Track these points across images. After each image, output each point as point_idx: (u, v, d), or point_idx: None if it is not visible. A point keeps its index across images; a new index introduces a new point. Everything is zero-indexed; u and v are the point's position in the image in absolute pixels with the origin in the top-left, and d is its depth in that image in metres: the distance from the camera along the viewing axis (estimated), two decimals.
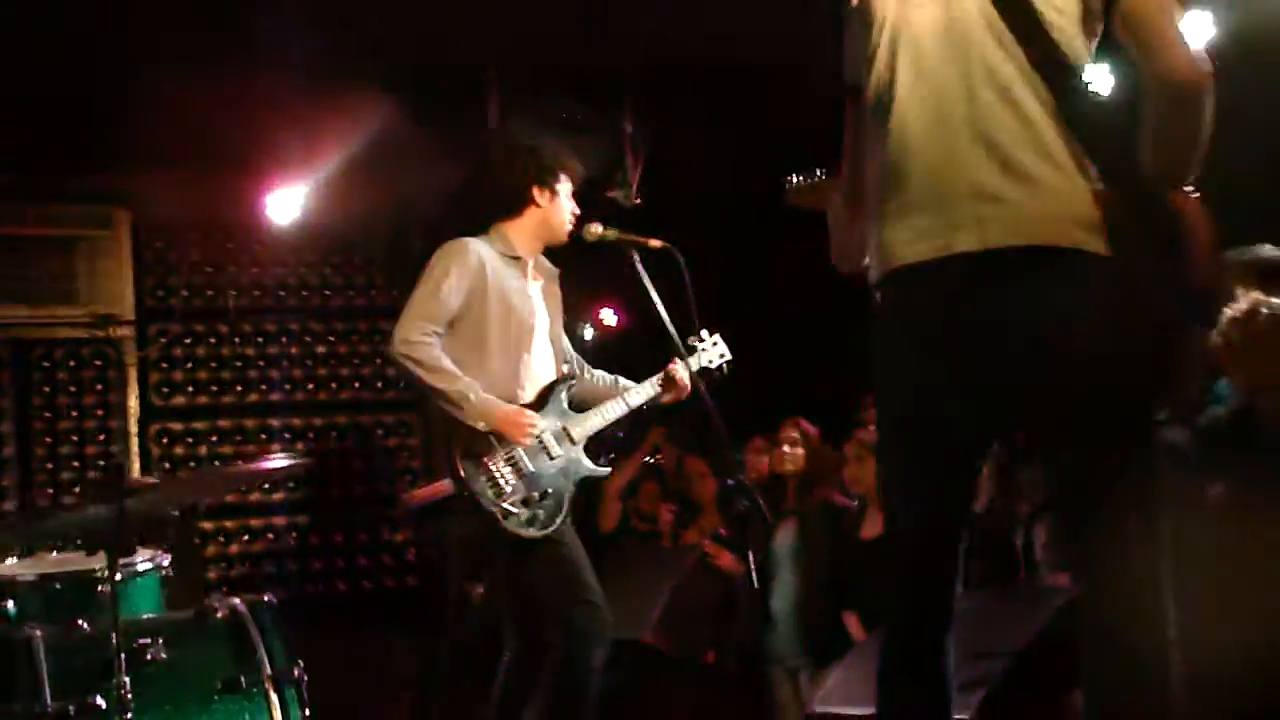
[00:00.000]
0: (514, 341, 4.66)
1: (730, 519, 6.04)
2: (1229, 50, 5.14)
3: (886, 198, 2.77)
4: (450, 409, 4.45)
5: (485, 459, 4.51)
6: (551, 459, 4.66)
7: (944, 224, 2.64)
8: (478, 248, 4.66)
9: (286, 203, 7.89)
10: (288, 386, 8.52)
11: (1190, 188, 2.65)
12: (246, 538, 8.31)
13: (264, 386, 8.48)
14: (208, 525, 8.18)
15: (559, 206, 4.83)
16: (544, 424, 4.65)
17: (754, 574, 4.49)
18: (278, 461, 5.52)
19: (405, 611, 8.08)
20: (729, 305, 5.08)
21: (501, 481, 4.50)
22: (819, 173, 3.27)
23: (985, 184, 2.61)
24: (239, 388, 8.44)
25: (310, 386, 8.61)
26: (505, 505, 4.48)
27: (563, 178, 4.85)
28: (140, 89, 6.33)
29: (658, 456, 7.90)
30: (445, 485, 5.85)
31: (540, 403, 4.69)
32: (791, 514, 6.26)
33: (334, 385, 8.66)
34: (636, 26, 6.47)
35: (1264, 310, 4.41)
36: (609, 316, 9.46)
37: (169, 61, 6.16)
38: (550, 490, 4.61)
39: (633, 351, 5.77)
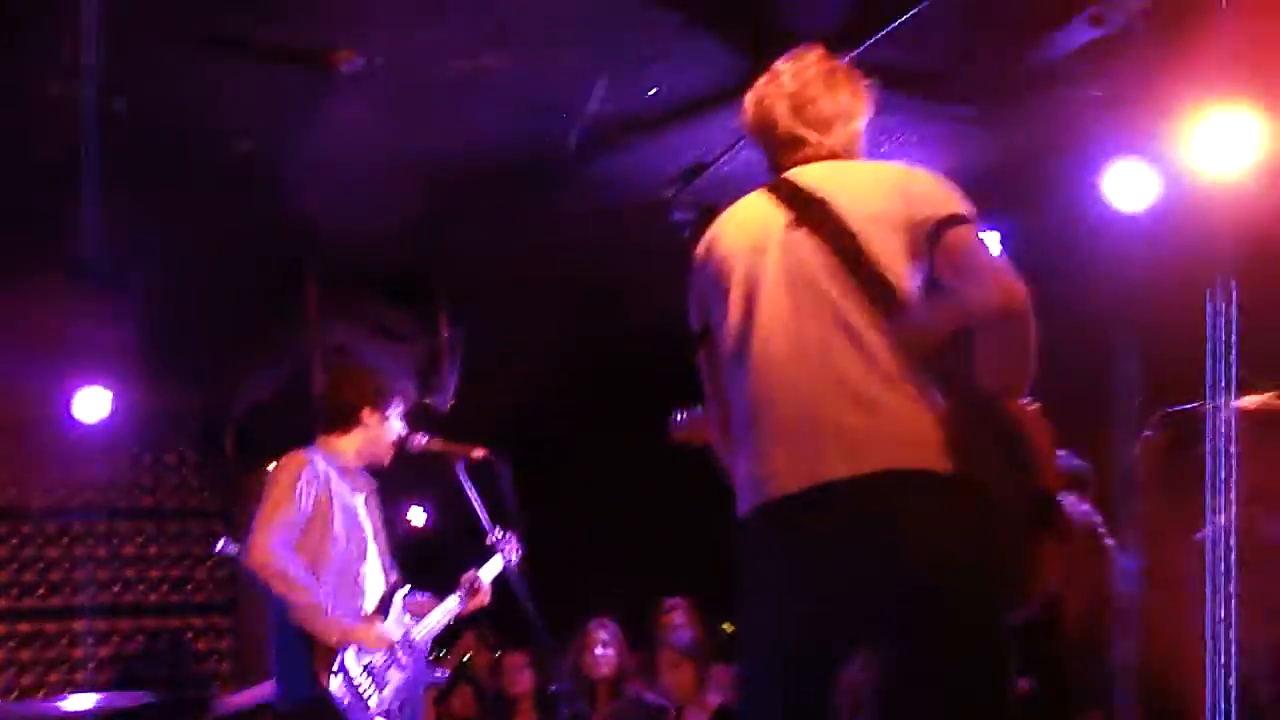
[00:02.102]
0: (353, 552, 4.70)
1: None
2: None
3: (749, 435, 2.94)
4: (306, 622, 4.43)
5: (345, 671, 4.49)
6: (403, 667, 4.68)
7: (807, 457, 2.81)
8: (318, 459, 4.71)
9: (93, 401, 7.80)
10: (93, 588, 8.31)
11: (1027, 398, 2.86)
12: None
13: (68, 588, 8.27)
14: None
15: (387, 429, 4.92)
16: (395, 634, 4.68)
17: None
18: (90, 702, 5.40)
19: None
20: (536, 507, 5.19)
21: (365, 694, 4.50)
22: (699, 409, 3.43)
23: (841, 419, 2.78)
24: (41, 589, 8.21)
25: (116, 588, 8.41)
26: (369, 716, 4.48)
27: (395, 402, 4.95)
28: None
29: (468, 658, 7.90)
30: (258, 690, 5.80)
31: (383, 610, 4.73)
32: (607, 718, 6.30)
33: (141, 587, 8.49)
34: (450, 230, 6.63)
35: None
36: (417, 516, 9.45)
37: None
38: (407, 698, 4.65)
39: (440, 550, 5.84)
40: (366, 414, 4.87)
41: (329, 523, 4.62)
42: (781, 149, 3.15)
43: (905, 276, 2.89)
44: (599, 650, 6.46)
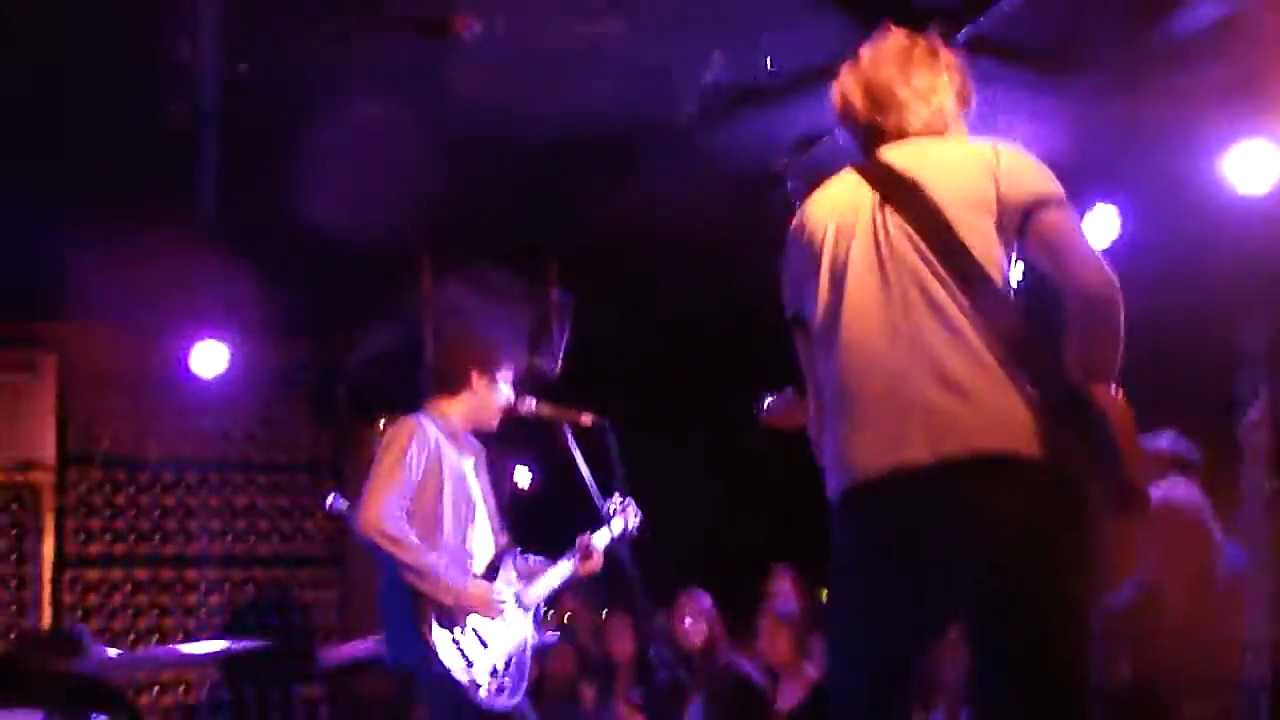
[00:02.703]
0: (463, 515, 4.76)
1: (650, 690, 6.11)
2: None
3: (839, 415, 2.96)
4: (421, 584, 4.50)
5: (453, 631, 4.58)
6: (510, 629, 4.75)
7: (894, 439, 2.82)
8: (428, 424, 4.77)
9: (211, 355, 7.98)
10: (206, 538, 8.50)
11: (1114, 386, 2.83)
12: (156, 689, 8.22)
13: (182, 537, 8.46)
14: None
15: (496, 393, 4.97)
16: (503, 596, 4.74)
17: None
18: (207, 648, 5.54)
19: None
20: (642, 473, 5.22)
21: (470, 654, 4.57)
22: (790, 391, 3.45)
23: (929, 400, 2.80)
24: (156, 537, 8.42)
25: (228, 539, 8.60)
26: (475, 676, 4.55)
27: (505, 366, 4.99)
28: (70, 237, 6.48)
29: (569, 618, 7.98)
30: (364, 644, 5.91)
31: (491, 573, 4.79)
32: (699, 688, 6.33)
33: (252, 538, 8.66)
34: (568, 200, 6.68)
35: (1169, 501, 4.67)
36: (523, 477, 9.52)
37: (99, 211, 6.32)
38: (512, 659, 4.71)
39: (545, 513, 5.90)
40: (475, 377, 4.92)
41: (440, 487, 4.67)
42: (865, 135, 3.17)
43: (995, 257, 2.90)
44: (688, 622, 6.53)
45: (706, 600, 6.68)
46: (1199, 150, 5.65)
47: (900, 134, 3.10)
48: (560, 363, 7.17)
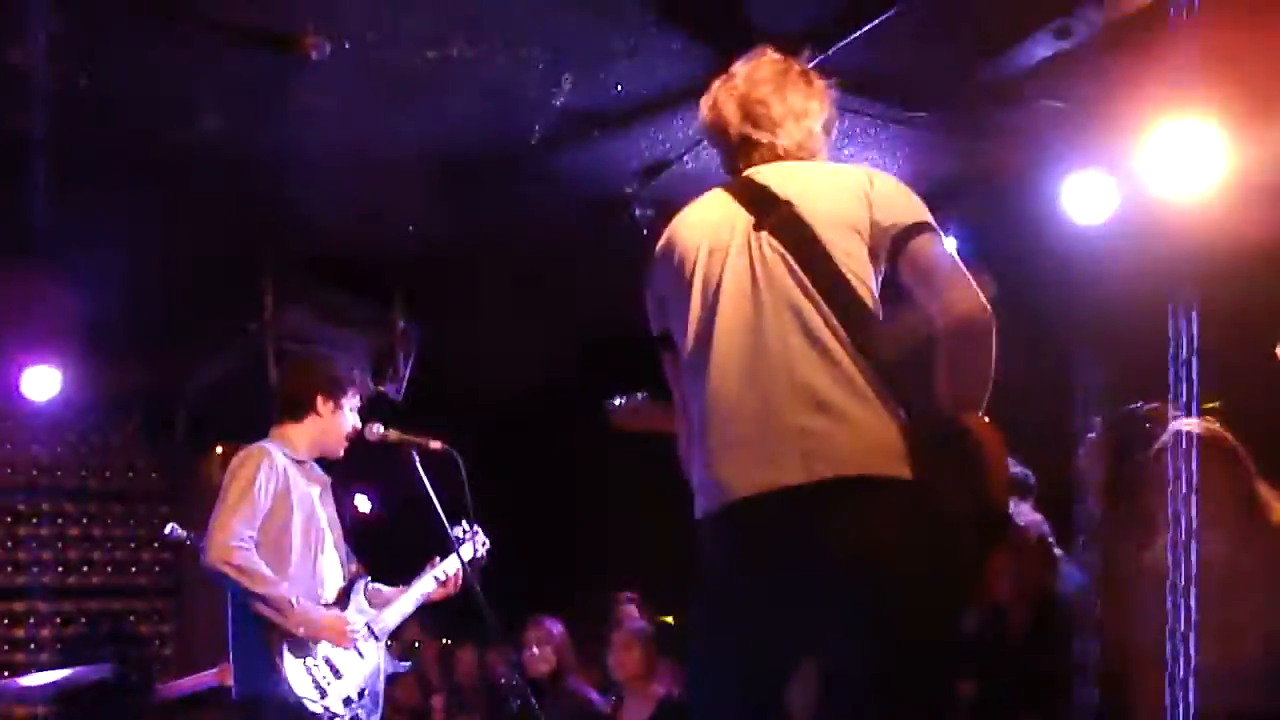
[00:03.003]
0: (312, 543, 4.68)
1: (500, 717, 6.08)
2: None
3: (709, 435, 2.94)
4: (272, 615, 4.40)
5: (306, 660, 4.49)
6: (362, 658, 4.68)
7: (768, 460, 2.81)
8: (275, 452, 4.68)
9: (42, 381, 7.74)
10: (35, 569, 8.24)
11: (982, 412, 2.86)
12: None
13: (9, 568, 8.18)
14: None
15: (342, 420, 4.90)
16: (356, 625, 4.66)
17: None
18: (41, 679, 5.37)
19: None
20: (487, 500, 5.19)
21: (323, 683, 4.49)
22: (640, 396, 3.43)
23: (803, 423, 2.79)
24: None
25: (59, 569, 8.34)
26: (329, 706, 4.47)
27: (350, 392, 4.92)
28: None
29: (416, 647, 7.89)
30: (203, 677, 5.77)
31: (342, 601, 4.72)
32: (547, 715, 6.32)
33: (85, 569, 8.42)
34: (409, 219, 6.62)
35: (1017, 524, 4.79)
36: (363, 504, 9.41)
37: None
38: (365, 688, 4.64)
39: (390, 540, 5.83)
40: (321, 403, 4.85)
41: (288, 516, 4.59)
42: (735, 150, 3.17)
43: (868, 282, 2.90)
44: (534, 649, 6.54)
45: (555, 627, 6.66)
46: (1036, 182, 5.80)
47: (772, 152, 3.11)
48: (404, 388, 7.10)
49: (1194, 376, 3.94)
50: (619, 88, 5.23)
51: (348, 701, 4.56)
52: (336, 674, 4.56)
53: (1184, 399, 3.97)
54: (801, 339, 2.85)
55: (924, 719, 2.76)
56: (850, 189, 2.97)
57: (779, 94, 3.13)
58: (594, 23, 4.86)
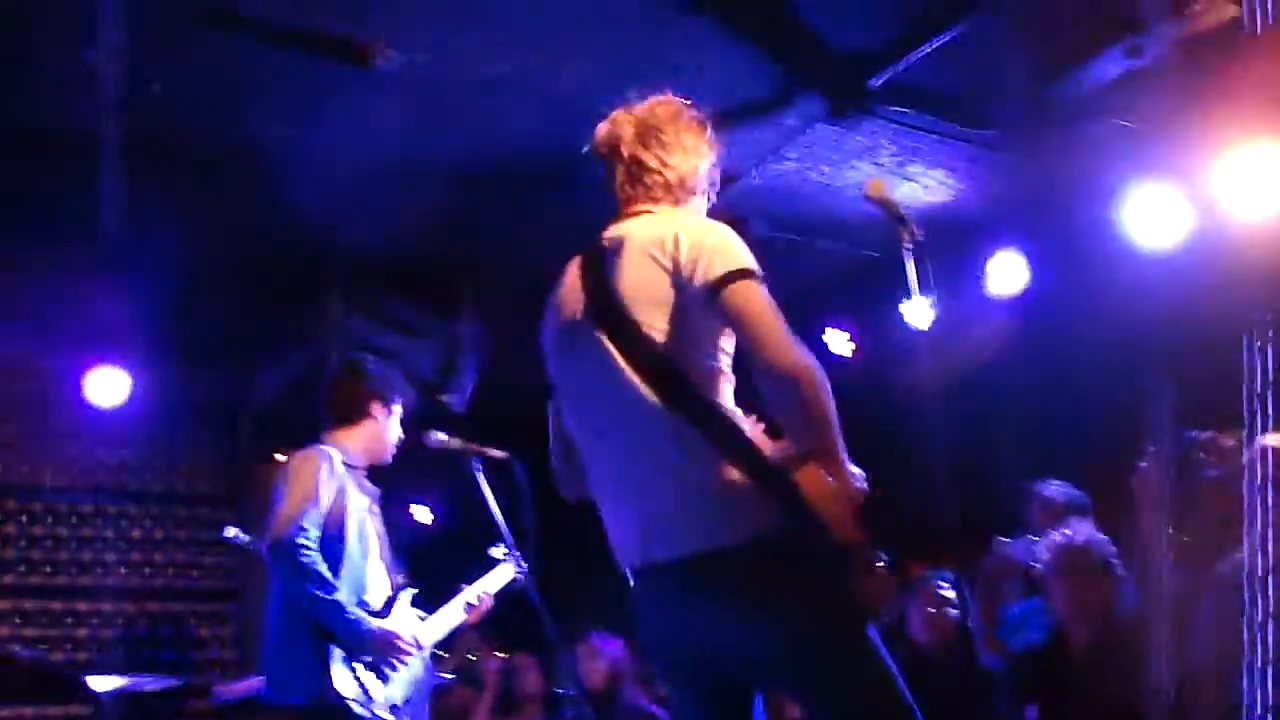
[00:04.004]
0: (364, 550, 4.68)
1: None
2: None
3: (599, 504, 3.14)
4: (327, 616, 4.40)
5: (353, 667, 4.48)
6: (408, 667, 4.67)
7: (634, 538, 3.01)
8: (334, 454, 4.69)
9: (109, 382, 7.82)
10: (99, 570, 8.32)
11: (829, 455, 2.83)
12: None
13: (74, 569, 8.27)
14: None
15: (393, 425, 4.92)
16: (404, 634, 4.66)
17: None
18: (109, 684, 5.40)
19: None
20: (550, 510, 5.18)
21: (370, 689, 4.49)
22: None
23: (647, 506, 2.95)
24: (48, 569, 8.21)
25: (123, 571, 8.42)
26: (375, 712, 4.47)
27: (398, 400, 4.95)
28: None
29: (471, 657, 7.89)
30: (258, 681, 5.80)
31: (386, 610, 4.71)
32: None
33: (148, 570, 8.49)
34: (475, 228, 6.64)
35: (1074, 544, 4.74)
36: (423, 514, 9.44)
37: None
38: (411, 697, 4.64)
39: (445, 549, 5.84)
40: (376, 408, 4.86)
41: (343, 519, 4.59)
42: (623, 172, 3.22)
43: (685, 350, 2.94)
44: (588, 661, 6.54)
45: (608, 642, 6.65)
46: (1104, 200, 5.73)
47: (649, 194, 3.18)
48: (468, 398, 7.11)
49: (1269, 409, 3.89)
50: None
51: (394, 709, 4.55)
52: (383, 680, 4.55)
53: (1258, 429, 3.91)
54: (637, 418, 2.93)
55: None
56: (659, 255, 2.97)
57: (674, 126, 3.21)
58: (661, 37, 4.87)
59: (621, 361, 2.94)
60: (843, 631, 2.83)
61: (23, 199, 6.03)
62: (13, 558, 8.14)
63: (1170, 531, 4.41)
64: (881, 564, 2.96)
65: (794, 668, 2.86)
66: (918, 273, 3.44)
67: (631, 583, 3.09)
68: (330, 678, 4.40)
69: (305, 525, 4.41)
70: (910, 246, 3.44)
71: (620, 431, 2.98)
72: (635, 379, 2.92)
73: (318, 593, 4.38)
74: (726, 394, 2.98)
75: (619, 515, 3.06)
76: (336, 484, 4.58)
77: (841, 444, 2.83)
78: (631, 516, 2.99)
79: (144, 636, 8.36)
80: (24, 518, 8.19)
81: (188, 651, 8.49)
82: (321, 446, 4.71)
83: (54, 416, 8.17)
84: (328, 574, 4.42)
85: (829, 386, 2.82)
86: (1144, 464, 4.58)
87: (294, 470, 4.57)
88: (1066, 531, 4.83)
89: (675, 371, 2.91)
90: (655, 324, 2.93)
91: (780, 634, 2.82)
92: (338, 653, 4.45)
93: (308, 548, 4.40)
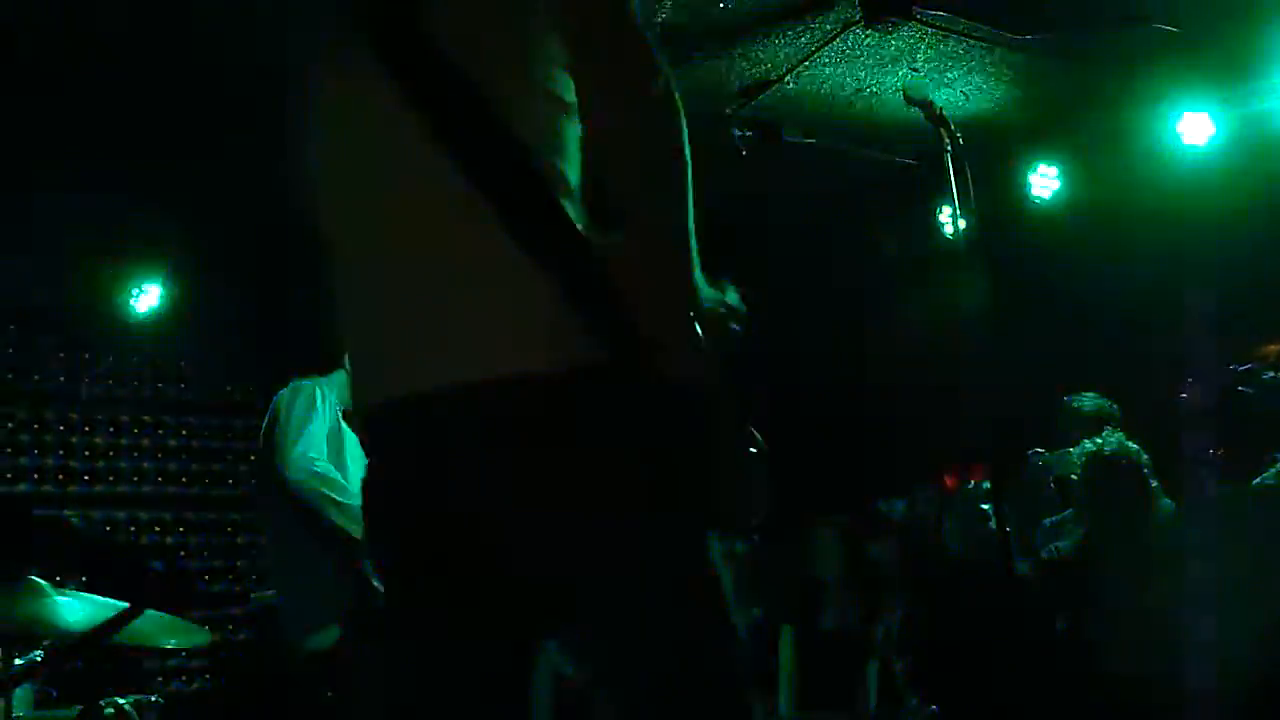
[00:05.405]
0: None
1: None
2: None
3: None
4: (353, 526, 4.25)
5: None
6: None
7: (388, 358, 2.04)
8: (325, 387, 4.54)
9: (144, 293, 7.88)
10: (136, 479, 8.38)
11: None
12: None
13: (112, 477, 8.33)
14: None
15: None
16: None
17: None
18: None
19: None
20: None
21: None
22: None
23: (422, 303, 1.98)
24: (86, 477, 8.28)
25: (159, 479, 8.48)
26: None
27: None
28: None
29: None
30: None
31: None
32: None
33: (184, 480, 8.55)
34: None
35: (1105, 453, 4.73)
36: None
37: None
38: None
39: None
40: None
41: (341, 445, 4.53)
42: None
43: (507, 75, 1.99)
44: None
45: None
46: (1148, 106, 5.66)
47: None
48: None
49: None
50: (721, 4, 5.14)
51: None
52: None
53: None
54: (406, 190, 1.99)
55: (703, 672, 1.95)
56: None
57: None
58: None
59: (399, 97, 1.95)
60: (672, 539, 1.94)
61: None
62: (50, 466, 8.19)
63: (1213, 451, 4.39)
64: (756, 450, 2.08)
65: (588, 586, 1.93)
66: (956, 180, 3.39)
67: (369, 430, 2.11)
68: (365, 580, 4.35)
69: (311, 448, 4.33)
70: (950, 151, 3.37)
71: (392, 202, 2.00)
72: (416, 123, 1.94)
73: (342, 500, 4.29)
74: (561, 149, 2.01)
75: (372, 330, 2.07)
76: (332, 408, 4.51)
77: (694, 238, 2.01)
78: (393, 327, 2.00)
79: (182, 544, 8.43)
80: (61, 427, 8.24)
81: (227, 558, 8.57)
82: (306, 380, 4.60)
83: (89, 326, 8.19)
84: (345, 483, 4.36)
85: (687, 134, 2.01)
86: (1190, 377, 4.54)
87: (286, 404, 4.45)
88: (1098, 440, 4.82)
89: (480, 108, 1.94)
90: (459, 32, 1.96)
91: (574, 524, 1.90)
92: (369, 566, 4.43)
93: (322, 461, 4.33)
